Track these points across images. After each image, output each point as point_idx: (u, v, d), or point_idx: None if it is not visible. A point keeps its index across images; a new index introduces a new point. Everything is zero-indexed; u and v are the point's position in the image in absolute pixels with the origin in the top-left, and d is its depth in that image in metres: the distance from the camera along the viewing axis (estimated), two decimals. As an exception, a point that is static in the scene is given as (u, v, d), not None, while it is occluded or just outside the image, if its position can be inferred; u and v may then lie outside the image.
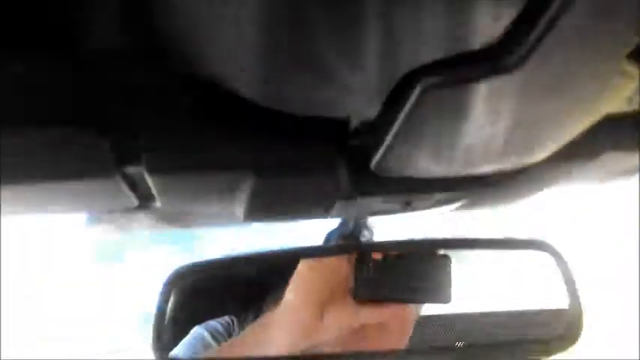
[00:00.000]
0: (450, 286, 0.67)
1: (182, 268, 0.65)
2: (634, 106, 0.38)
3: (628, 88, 0.34)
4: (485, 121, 0.34)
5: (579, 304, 0.66)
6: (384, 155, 0.39)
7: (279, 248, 0.64)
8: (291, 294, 0.67)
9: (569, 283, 0.65)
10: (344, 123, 0.40)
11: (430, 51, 0.28)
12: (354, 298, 0.65)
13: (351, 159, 0.45)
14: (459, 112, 0.33)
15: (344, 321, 0.67)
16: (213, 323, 0.91)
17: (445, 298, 0.68)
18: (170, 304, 1.09)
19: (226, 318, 0.93)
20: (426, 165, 0.42)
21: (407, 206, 0.54)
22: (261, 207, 0.51)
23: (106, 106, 0.38)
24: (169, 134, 0.40)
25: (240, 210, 0.52)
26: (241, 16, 0.26)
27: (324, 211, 0.54)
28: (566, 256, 0.65)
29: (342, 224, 0.83)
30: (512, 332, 1.27)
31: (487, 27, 0.26)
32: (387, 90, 0.32)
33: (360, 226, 0.81)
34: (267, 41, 0.28)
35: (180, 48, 0.33)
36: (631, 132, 0.48)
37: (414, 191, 0.50)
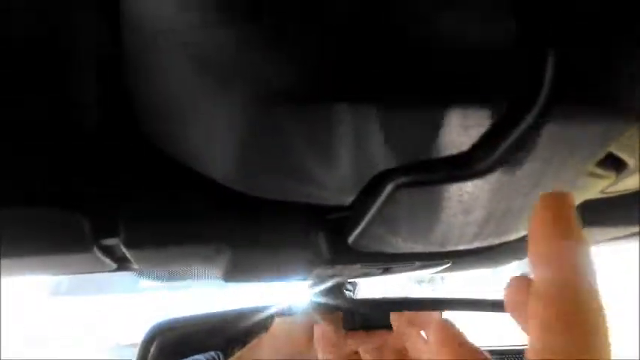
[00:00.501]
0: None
1: (160, 324, 0.65)
2: (609, 194, 0.39)
3: (602, 184, 0.34)
4: (458, 214, 0.34)
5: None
6: (360, 235, 0.39)
7: (258, 306, 0.64)
8: (281, 320, 0.67)
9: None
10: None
11: (400, 157, 0.29)
12: (344, 327, 0.65)
13: (328, 232, 0.45)
14: (430, 207, 0.33)
15: (332, 348, 0.66)
16: (198, 357, 0.90)
17: None
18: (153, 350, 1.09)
19: (212, 353, 0.92)
20: (402, 245, 0.42)
21: (386, 272, 0.54)
22: (240, 273, 0.51)
23: (83, 183, 0.38)
24: (145, 208, 0.40)
25: (219, 274, 0.52)
26: (216, 123, 0.27)
27: (303, 276, 0.54)
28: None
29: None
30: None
31: (456, 138, 0.27)
32: (362, 185, 0.32)
33: (342, 282, 0.81)
34: (242, 149, 0.28)
35: (156, 129, 0.33)
36: (605, 210, 0.49)
37: (394, 261, 0.50)
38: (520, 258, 0.58)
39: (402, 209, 0.34)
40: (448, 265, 0.55)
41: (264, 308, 0.80)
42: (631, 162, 0.32)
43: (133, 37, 0.27)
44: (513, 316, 0.25)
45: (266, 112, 0.24)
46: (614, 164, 0.32)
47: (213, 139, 0.29)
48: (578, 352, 0.20)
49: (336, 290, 0.81)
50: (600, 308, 0.21)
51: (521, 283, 0.24)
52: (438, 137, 0.27)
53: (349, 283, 0.86)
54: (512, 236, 0.43)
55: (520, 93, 0.24)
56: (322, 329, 0.65)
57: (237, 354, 0.71)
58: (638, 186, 0.39)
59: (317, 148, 0.28)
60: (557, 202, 0.23)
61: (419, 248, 0.43)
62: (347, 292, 0.84)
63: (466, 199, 0.32)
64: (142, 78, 0.29)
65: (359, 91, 0.24)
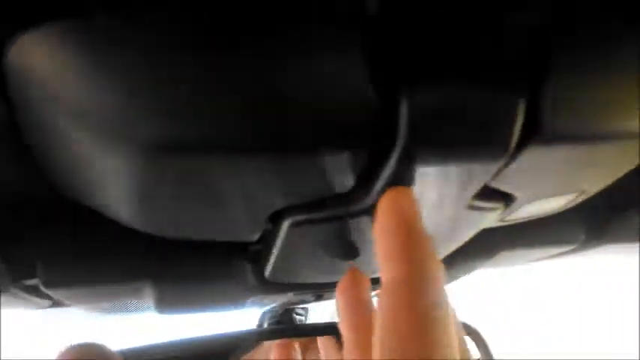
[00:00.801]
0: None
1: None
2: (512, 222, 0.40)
3: (492, 215, 0.36)
4: (354, 248, 0.36)
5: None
6: (272, 269, 0.41)
7: (210, 335, 0.64)
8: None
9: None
10: None
11: (289, 198, 0.30)
12: (338, 339, 0.65)
13: (251, 262, 0.46)
14: (328, 242, 0.35)
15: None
16: None
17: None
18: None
19: None
20: (315, 276, 0.43)
21: (319, 298, 0.55)
22: (169, 305, 0.51)
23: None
24: (61, 249, 0.41)
25: (152, 306, 0.52)
26: (107, 175, 0.28)
27: (238, 307, 0.55)
28: (486, 340, 0.67)
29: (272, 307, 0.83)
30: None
31: (336, 181, 0.28)
32: (261, 224, 0.33)
33: (290, 307, 0.81)
34: (137, 199, 0.29)
35: (58, 180, 0.34)
36: (523, 233, 0.50)
37: (321, 289, 0.51)
38: (453, 279, 0.59)
39: (302, 244, 0.35)
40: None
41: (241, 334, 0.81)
42: (519, 194, 0.34)
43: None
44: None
45: (146, 164, 0.25)
46: (499, 197, 0.33)
47: (109, 190, 0.30)
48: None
49: (287, 317, 0.82)
50: (446, 312, 0.22)
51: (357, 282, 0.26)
52: (318, 180, 0.28)
53: (301, 308, 0.86)
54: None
55: (381, 138, 0.25)
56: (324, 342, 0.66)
57: None
58: (544, 211, 0.41)
59: (206, 194, 0.29)
60: (398, 198, 0.24)
61: (334, 278, 0.44)
62: (298, 317, 0.85)
63: (357, 234, 0.34)
64: (34, 137, 0.30)
65: (231, 144, 0.25)
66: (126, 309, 0.79)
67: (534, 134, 0.27)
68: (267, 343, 0.69)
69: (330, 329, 0.64)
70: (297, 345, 0.63)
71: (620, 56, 0.26)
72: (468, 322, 0.66)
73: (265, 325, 0.83)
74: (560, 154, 0.29)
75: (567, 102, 0.26)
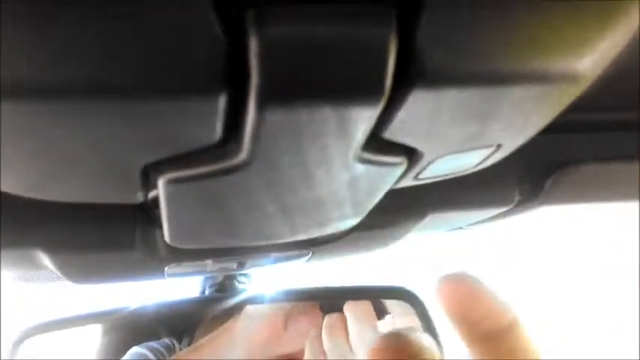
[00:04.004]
0: (403, 297, 0.66)
1: (29, 328, 0.62)
2: (421, 181, 0.38)
3: (395, 171, 0.33)
4: (243, 208, 0.33)
5: (441, 351, 0.66)
6: (170, 233, 0.38)
7: (138, 306, 0.62)
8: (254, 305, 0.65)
9: (430, 330, 0.65)
10: None
11: (150, 152, 0.27)
12: (322, 310, 0.64)
13: (160, 229, 0.43)
14: (211, 202, 0.32)
15: (308, 331, 0.65)
16: (152, 343, 0.87)
17: (412, 296, 0.67)
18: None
19: (166, 340, 0.90)
20: (219, 240, 0.40)
21: (241, 266, 0.52)
22: (80, 277, 0.48)
23: None
24: None
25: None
26: None
27: (155, 277, 0.52)
28: (426, 304, 0.65)
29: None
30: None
31: (194, 130, 0.25)
32: (135, 181, 0.30)
33: (231, 274, 0.79)
34: None
35: None
36: (454, 192, 0.48)
37: (239, 254, 0.48)
38: (384, 245, 0.57)
39: (186, 204, 0.32)
40: (310, 255, 0.54)
41: (225, 297, 0.78)
42: (421, 148, 0.31)
43: None
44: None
45: None
46: (398, 150, 0.31)
47: None
48: None
49: (229, 284, 0.80)
50: None
51: None
52: (176, 129, 0.25)
53: (242, 275, 0.84)
54: (339, 226, 0.41)
55: (234, 80, 0.22)
56: (332, 319, 0.64)
57: (209, 336, 0.69)
58: (461, 168, 0.39)
59: (50, 147, 0.25)
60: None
61: (237, 242, 0.41)
62: (240, 285, 0.82)
63: (241, 193, 0.31)
64: None
65: (58, 87, 0.21)
66: (51, 278, 0.76)
67: (414, 75, 0.23)
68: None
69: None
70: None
71: None
72: (408, 287, 0.65)
73: (206, 293, 0.81)
74: (453, 100, 0.26)
75: (449, 37, 0.23)
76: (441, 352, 0.64)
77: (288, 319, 0.66)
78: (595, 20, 0.25)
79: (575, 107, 0.33)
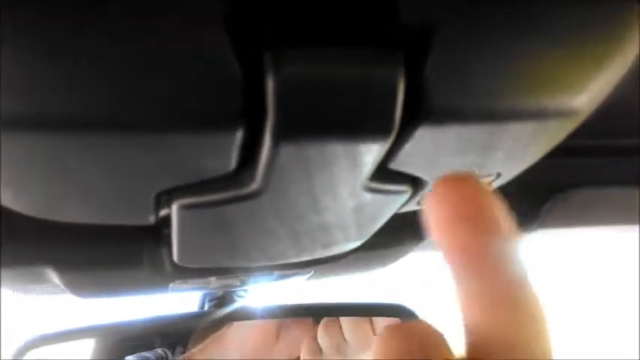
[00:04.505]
0: (401, 315, 0.67)
1: (31, 340, 0.62)
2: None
3: (400, 199, 0.34)
4: (254, 232, 0.34)
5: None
6: (179, 253, 0.38)
7: (141, 318, 0.62)
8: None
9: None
10: None
11: (165, 180, 0.28)
12: (314, 320, 0.64)
13: (166, 247, 0.44)
14: (221, 225, 0.33)
15: (300, 340, 0.65)
16: (145, 354, 0.87)
17: (409, 314, 0.67)
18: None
19: (159, 350, 0.89)
20: (225, 260, 0.41)
21: (244, 283, 0.53)
22: (85, 292, 0.49)
23: None
24: None
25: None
26: None
27: (159, 292, 0.53)
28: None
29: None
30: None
31: (210, 161, 0.26)
32: (150, 207, 0.31)
33: (231, 289, 0.79)
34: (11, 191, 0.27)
35: None
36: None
37: (243, 272, 0.49)
38: (385, 264, 0.58)
39: (197, 228, 0.33)
40: (311, 274, 0.55)
41: (217, 312, 0.79)
42: (426, 177, 0.32)
43: None
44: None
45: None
46: (403, 179, 0.32)
47: None
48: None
49: (228, 298, 0.80)
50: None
51: None
52: (192, 160, 0.26)
53: (242, 290, 0.85)
54: (343, 248, 0.42)
55: (252, 116, 0.23)
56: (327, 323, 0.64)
57: (200, 345, 0.69)
58: None
59: (70, 174, 0.26)
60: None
61: (243, 263, 0.42)
62: (239, 299, 0.83)
63: (252, 219, 0.32)
64: None
65: (80, 121, 0.22)
66: (54, 291, 0.77)
67: (421, 112, 0.25)
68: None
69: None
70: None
71: (511, 26, 0.24)
72: (404, 304, 0.65)
73: (206, 308, 0.82)
74: (456, 134, 0.27)
75: (454, 78, 0.24)
76: None
77: (280, 328, 0.66)
78: (590, 61, 0.27)
79: (574, 133, 0.34)
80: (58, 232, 0.39)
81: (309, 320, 0.66)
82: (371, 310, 0.69)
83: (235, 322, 0.66)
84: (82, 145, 0.23)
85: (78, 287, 0.47)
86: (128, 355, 0.87)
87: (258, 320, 0.66)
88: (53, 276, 0.43)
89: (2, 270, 0.41)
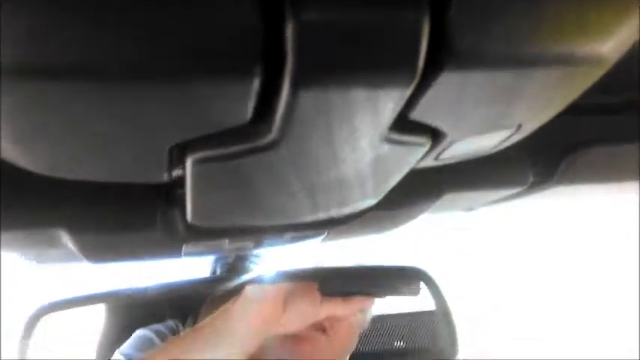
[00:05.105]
0: (417, 278, 0.67)
1: (45, 305, 0.63)
2: (441, 162, 0.38)
3: (418, 151, 0.33)
4: (270, 187, 0.33)
5: (453, 334, 0.66)
6: (193, 212, 0.38)
7: (149, 285, 0.63)
8: (254, 285, 0.66)
9: (442, 308, 0.66)
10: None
11: (180, 132, 0.27)
12: (321, 292, 0.64)
13: (179, 209, 0.43)
14: (239, 181, 0.32)
15: (306, 313, 0.66)
16: (156, 326, 0.88)
17: (413, 291, 0.68)
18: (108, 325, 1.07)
19: (170, 322, 0.90)
20: (241, 219, 0.40)
21: (259, 245, 0.53)
22: (98, 256, 0.49)
23: None
24: None
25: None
26: None
27: (172, 256, 0.52)
28: (438, 283, 0.66)
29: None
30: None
31: (225, 111, 0.25)
32: (163, 161, 0.30)
33: (242, 255, 0.79)
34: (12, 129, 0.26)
35: None
36: (470, 173, 0.48)
37: (257, 234, 0.49)
38: (398, 225, 0.57)
39: (213, 184, 0.33)
40: (325, 235, 0.55)
41: (229, 278, 0.79)
42: (445, 128, 0.31)
43: None
44: None
45: (13, 86, 0.22)
46: (423, 130, 0.31)
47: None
48: None
49: (240, 264, 0.80)
50: None
51: None
52: (208, 110, 0.25)
53: (254, 255, 0.85)
54: (359, 206, 0.42)
55: (270, 64, 0.22)
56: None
57: (208, 318, 0.69)
58: (482, 149, 0.39)
59: (85, 125, 0.26)
60: None
61: (258, 221, 0.42)
62: (251, 265, 0.83)
63: (268, 173, 0.31)
64: None
65: (92, 69, 0.22)
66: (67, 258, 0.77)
67: (444, 57, 0.24)
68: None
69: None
70: None
71: None
72: (417, 265, 0.65)
73: (217, 273, 0.82)
74: (480, 81, 0.26)
75: (479, 21, 0.23)
76: (455, 332, 0.65)
77: (287, 300, 0.66)
78: (619, 4, 0.26)
79: (594, 89, 0.33)
80: (71, 193, 0.39)
81: (316, 292, 0.66)
82: (386, 272, 0.69)
83: (242, 295, 0.66)
84: (94, 93, 0.23)
85: (91, 251, 0.46)
86: (139, 328, 0.88)
87: (265, 293, 0.66)
88: (66, 239, 0.43)
89: (15, 232, 0.40)
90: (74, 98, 0.23)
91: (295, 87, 0.23)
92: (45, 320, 0.63)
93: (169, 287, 0.62)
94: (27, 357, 0.62)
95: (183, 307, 1.03)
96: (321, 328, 0.75)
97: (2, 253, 0.48)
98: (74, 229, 0.41)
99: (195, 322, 0.92)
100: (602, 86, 0.40)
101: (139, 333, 0.85)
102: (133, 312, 1.11)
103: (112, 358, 0.80)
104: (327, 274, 0.66)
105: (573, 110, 0.44)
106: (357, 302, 0.68)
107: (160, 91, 0.23)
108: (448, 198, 0.50)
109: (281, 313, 0.66)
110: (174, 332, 0.88)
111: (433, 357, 0.68)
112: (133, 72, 0.22)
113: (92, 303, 0.70)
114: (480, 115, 0.31)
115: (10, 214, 0.38)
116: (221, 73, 0.22)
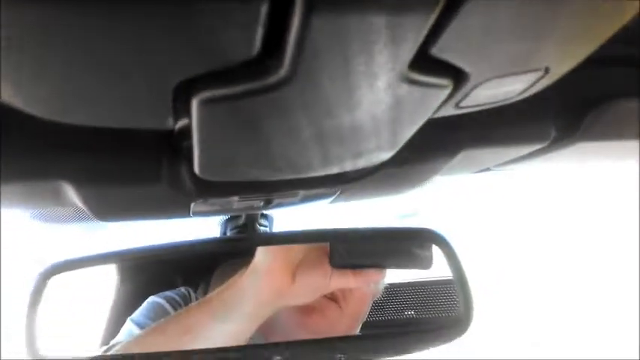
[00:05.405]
0: (430, 250, 0.66)
1: (56, 264, 0.62)
2: (461, 110, 0.36)
3: (439, 95, 0.31)
4: (279, 133, 0.31)
5: (468, 295, 0.65)
6: (200, 163, 0.36)
7: (160, 244, 0.62)
8: (263, 256, 0.65)
9: (457, 272, 0.64)
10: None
11: (185, 65, 0.25)
12: (331, 264, 0.64)
13: (186, 163, 0.41)
14: (245, 123, 0.30)
15: (316, 285, 0.66)
16: (168, 293, 0.88)
17: (426, 264, 0.67)
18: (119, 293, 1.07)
19: (181, 289, 0.90)
20: (250, 171, 0.39)
21: (269, 204, 0.51)
22: (104, 212, 0.47)
23: None
24: None
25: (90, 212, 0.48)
26: None
27: (180, 215, 0.51)
28: (453, 246, 0.64)
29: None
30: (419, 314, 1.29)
31: (233, 41, 0.23)
32: (167, 103, 0.29)
33: (254, 216, 0.78)
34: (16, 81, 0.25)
35: None
36: (490, 127, 0.46)
37: (268, 190, 0.47)
38: (413, 185, 0.56)
39: (220, 129, 0.31)
40: (337, 194, 0.53)
41: (239, 238, 0.78)
42: (468, 68, 0.29)
43: None
44: None
45: (14, 14, 0.20)
46: (444, 70, 0.29)
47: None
48: None
49: (250, 226, 0.79)
50: None
51: None
52: (214, 38, 0.23)
53: (263, 217, 0.84)
54: (374, 158, 0.40)
55: None
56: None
57: (217, 289, 0.69)
58: (505, 95, 0.37)
59: (85, 57, 0.24)
60: None
61: (268, 174, 0.40)
62: (261, 227, 0.82)
63: (278, 115, 0.29)
64: None
65: None
66: (74, 217, 0.76)
67: None
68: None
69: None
70: None
71: None
72: (434, 229, 0.64)
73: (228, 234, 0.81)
74: (509, 11, 0.24)
75: None
76: (470, 299, 0.64)
77: (296, 272, 0.66)
78: None
79: (618, 40, 0.31)
80: (73, 143, 0.37)
81: (326, 263, 0.65)
82: (399, 234, 0.68)
83: (251, 266, 0.65)
84: (95, 20, 0.21)
85: (95, 205, 0.45)
86: (151, 295, 0.88)
87: (274, 264, 0.65)
88: (70, 192, 0.41)
89: (16, 184, 0.39)
90: (75, 26, 0.21)
91: (308, 11, 0.21)
92: (55, 281, 0.62)
93: (182, 246, 0.61)
94: (35, 322, 0.61)
95: (195, 275, 1.03)
96: (332, 297, 0.75)
97: (5, 212, 0.46)
98: (77, 182, 0.39)
99: (206, 291, 0.92)
100: (627, 38, 0.38)
101: (150, 300, 0.85)
102: (144, 278, 1.11)
103: (124, 325, 0.79)
104: (338, 236, 0.65)
105: (598, 62, 0.42)
106: (368, 275, 0.67)
107: (160, 15, 0.21)
108: (465, 155, 0.48)
109: (290, 284, 0.65)
110: (187, 299, 0.88)
111: (447, 325, 0.67)
112: None
113: (106, 262, 0.69)
114: (506, 52, 0.29)
115: (10, 164, 0.37)
116: None
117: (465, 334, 0.66)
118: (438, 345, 0.68)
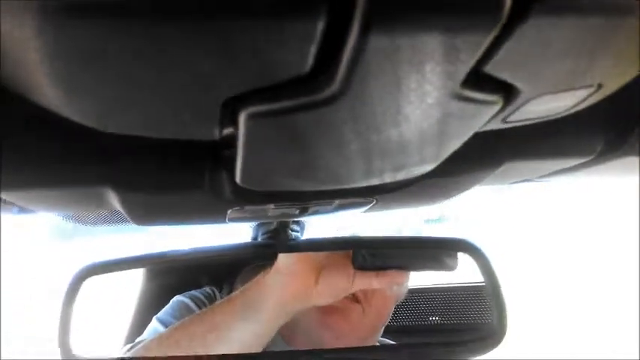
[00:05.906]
0: (455, 253, 0.65)
1: (90, 266, 0.63)
2: (510, 124, 0.35)
3: (489, 111, 0.31)
4: (325, 147, 0.31)
5: (503, 307, 0.64)
6: (242, 173, 0.36)
7: (191, 248, 0.62)
8: (287, 257, 0.66)
9: (492, 284, 0.63)
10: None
11: (235, 81, 0.25)
12: (354, 266, 0.64)
13: (227, 171, 0.41)
14: (293, 139, 0.30)
15: (339, 286, 0.66)
16: (193, 292, 0.89)
17: (451, 266, 0.66)
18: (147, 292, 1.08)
19: (207, 289, 0.91)
20: (290, 182, 0.38)
21: (304, 212, 0.51)
22: (142, 217, 0.48)
23: None
24: (14, 150, 0.36)
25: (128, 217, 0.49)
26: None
27: (216, 221, 0.51)
28: (488, 257, 0.63)
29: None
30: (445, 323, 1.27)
31: (286, 57, 0.23)
32: (216, 116, 0.29)
33: (286, 222, 0.78)
34: (54, 72, 0.25)
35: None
36: (535, 140, 0.45)
37: (304, 199, 0.47)
38: (450, 195, 0.55)
39: (266, 142, 0.31)
40: (373, 204, 0.52)
41: (269, 245, 0.78)
42: (520, 84, 0.29)
43: None
44: None
45: (46, 29, 0.20)
46: (496, 86, 0.28)
47: (27, 69, 0.25)
48: None
49: (282, 232, 0.79)
50: None
51: None
52: (267, 55, 0.23)
53: (295, 223, 0.83)
54: (415, 171, 0.39)
55: (337, 1, 0.20)
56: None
57: (241, 289, 0.69)
58: (554, 111, 0.36)
59: (133, 71, 0.24)
60: None
61: (306, 186, 0.40)
62: (293, 234, 0.82)
63: (325, 130, 0.29)
64: None
65: (148, 7, 0.20)
66: (112, 220, 0.77)
67: (532, 1, 0.21)
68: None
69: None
70: None
71: None
72: (468, 239, 0.63)
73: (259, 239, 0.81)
74: (567, 30, 0.24)
75: None
76: (504, 309, 0.62)
77: (319, 273, 0.65)
78: None
79: None
80: (119, 151, 0.38)
81: (349, 265, 0.65)
82: (433, 243, 0.67)
83: (274, 267, 0.65)
84: (146, 34, 0.21)
85: (136, 211, 0.45)
86: (177, 294, 0.88)
87: (297, 265, 0.65)
88: (112, 198, 0.42)
89: (62, 190, 0.40)
90: (127, 37, 0.21)
91: (365, 30, 0.21)
92: (89, 282, 0.63)
93: (213, 250, 0.61)
94: (69, 323, 0.62)
95: (220, 275, 1.03)
96: (355, 298, 0.74)
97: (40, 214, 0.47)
98: (120, 187, 0.40)
99: (231, 291, 0.92)
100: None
101: (176, 299, 0.85)
102: (170, 278, 1.13)
103: (150, 324, 0.80)
104: (364, 243, 0.64)
105: None
106: (390, 276, 0.66)
107: (213, 32, 0.21)
108: (507, 167, 0.47)
109: (313, 286, 0.65)
110: (211, 298, 0.88)
111: (479, 335, 0.66)
112: (181, 10, 0.20)
113: (140, 266, 0.70)
114: (560, 69, 0.28)
115: (58, 171, 0.38)
116: (281, 12, 0.20)
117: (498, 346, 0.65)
118: (471, 357, 0.67)
